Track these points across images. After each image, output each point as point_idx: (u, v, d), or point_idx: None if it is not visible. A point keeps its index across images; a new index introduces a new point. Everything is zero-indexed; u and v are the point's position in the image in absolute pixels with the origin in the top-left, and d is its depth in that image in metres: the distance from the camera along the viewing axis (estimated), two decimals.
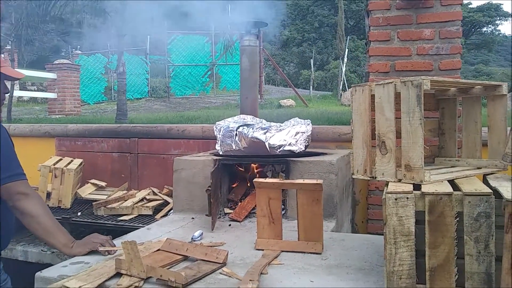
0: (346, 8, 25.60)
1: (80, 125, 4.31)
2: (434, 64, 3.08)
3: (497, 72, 25.84)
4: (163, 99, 16.02)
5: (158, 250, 1.97)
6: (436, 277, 1.38)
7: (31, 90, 16.10)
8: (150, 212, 3.30)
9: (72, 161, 3.83)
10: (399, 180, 1.59)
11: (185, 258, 1.91)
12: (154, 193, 3.56)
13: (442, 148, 2.06)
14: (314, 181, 1.96)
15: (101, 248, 1.97)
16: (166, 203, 3.41)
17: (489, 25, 34.98)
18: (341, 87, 17.43)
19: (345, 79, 18.09)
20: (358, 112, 1.74)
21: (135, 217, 3.28)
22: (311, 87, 18.19)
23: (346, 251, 2.01)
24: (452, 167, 1.93)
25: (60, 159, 3.84)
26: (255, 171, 2.97)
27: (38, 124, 4.56)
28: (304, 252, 1.98)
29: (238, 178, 3.01)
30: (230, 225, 2.55)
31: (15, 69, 2.23)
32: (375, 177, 1.69)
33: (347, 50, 18.90)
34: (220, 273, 1.75)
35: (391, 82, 1.60)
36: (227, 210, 2.77)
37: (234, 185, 2.99)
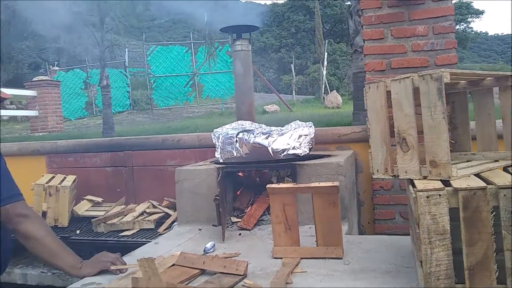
0: (321, 12, 25.81)
1: (70, 141, 4.19)
2: (430, 60, 3.07)
3: (475, 68, 26.33)
4: (145, 111, 15.87)
5: (173, 265, 1.89)
6: (475, 276, 1.33)
7: (11, 109, 15.76)
8: (152, 226, 3.21)
9: (65, 178, 3.71)
10: (425, 177, 1.55)
11: (202, 272, 1.83)
12: (154, 206, 3.47)
13: (455, 143, 2.03)
14: (330, 184, 1.90)
15: (112, 267, 1.88)
16: (167, 215, 3.32)
17: (462, 23, 35.67)
18: (323, 90, 17.53)
19: (326, 82, 18.20)
20: (373, 109, 1.69)
21: (137, 231, 3.18)
22: (293, 91, 18.24)
23: (366, 254, 1.96)
24: (468, 161, 1.89)
25: (53, 177, 3.72)
26: (259, 177, 2.91)
27: (26, 142, 4.42)
28: (324, 258, 1.93)
29: (242, 186, 2.94)
30: (240, 234, 2.48)
31: None
32: (398, 176, 1.64)
33: (326, 53, 19.02)
34: (243, 285, 1.68)
35: (408, 77, 1.56)
36: (234, 219, 2.70)
37: (238, 193, 2.92)
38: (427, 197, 1.37)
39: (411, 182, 1.58)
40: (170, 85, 15.75)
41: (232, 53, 3.28)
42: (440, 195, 1.36)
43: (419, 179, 1.56)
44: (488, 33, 68.33)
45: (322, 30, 22.96)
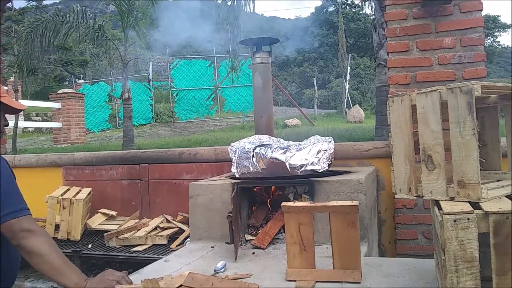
0: (345, 27, 25.74)
1: (88, 153, 4.16)
2: (457, 73, 2.93)
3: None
4: (167, 124, 15.95)
5: (181, 286, 1.79)
6: None
7: (36, 121, 16.07)
8: (165, 241, 3.13)
9: (80, 190, 3.67)
10: (451, 199, 1.42)
11: None
12: (168, 221, 3.39)
13: (484, 161, 1.89)
14: (349, 203, 1.78)
15: (118, 287, 1.79)
16: (181, 230, 3.24)
17: (488, 37, 35.04)
18: (345, 105, 17.35)
19: (348, 97, 18.02)
20: (397, 124, 1.58)
21: (149, 247, 3.10)
22: (315, 105, 18.10)
23: (387, 279, 1.82)
24: (498, 180, 1.75)
25: (68, 189, 3.68)
26: (276, 193, 2.81)
27: (44, 154, 4.41)
28: (341, 282, 1.80)
29: (258, 202, 2.84)
30: (253, 253, 2.37)
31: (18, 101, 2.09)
32: (422, 196, 1.52)
33: (349, 67, 18.86)
34: None
35: (435, 90, 1.45)
36: (248, 237, 2.59)
37: (253, 209, 2.82)
38: (455, 221, 1.25)
39: (437, 203, 1.45)
40: (192, 98, 15.82)
41: (252, 65, 3.21)
42: (468, 219, 1.23)
43: (445, 200, 1.44)
44: None
45: (346, 44, 22.87)
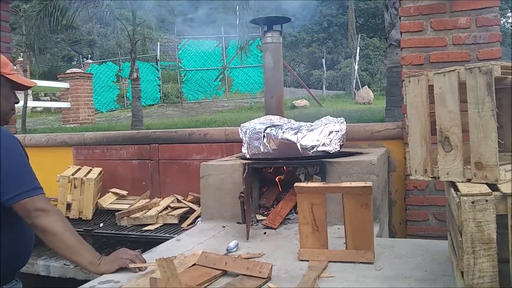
0: (355, 6, 25.33)
1: (98, 133, 4.17)
2: (472, 54, 2.88)
3: None
4: (175, 104, 15.96)
5: (194, 265, 1.80)
6: None
7: (45, 101, 16.13)
8: (176, 221, 3.14)
9: (91, 170, 3.69)
10: (468, 180, 1.41)
11: (224, 273, 1.74)
12: (178, 201, 3.41)
13: (502, 143, 1.86)
14: (363, 184, 1.78)
15: (131, 265, 1.81)
16: (191, 210, 3.25)
17: (501, 18, 34.43)
18: (354, 86, 17.23)
19: (358, 78, 17.87)
20: (413, 105, 1.55)
21: (160, 226, 3.12)
22: (323, 86, 17.99)
23: (400, 260, 1.82)
24: None
25: (79, 169, 3.70)
26: (286, 174, 2.81)
27: (54, 134, 4.43)
28: (354, 262, 1.80)
29: (268, 182, 2.84)
30: (265, 233, 2.38)
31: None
32: (438, 177, 1.50)
33: (358, 48, 18.65)
34: None
35: (453, 70, 1.42)
36: (259, 217, 2.61)
37: (264, 190, 2.82)
38: (472, 202, 1.23)
39: (453, 184, 1.44)
40: (200, 79, 15.78)
41: (262, 45, 3.17)
42: (486, 200, 1.22)
43: (462, 181, 1.42)
44: None
45: (355, 25, 22.56)
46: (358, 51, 18.35)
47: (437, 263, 1.75)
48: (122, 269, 1.82)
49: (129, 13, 7.10)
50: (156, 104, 16.05)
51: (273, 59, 3.11)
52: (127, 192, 3.74)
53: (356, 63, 17.72)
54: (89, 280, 1.78)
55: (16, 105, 2.03)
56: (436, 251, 1.89)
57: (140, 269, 1.81)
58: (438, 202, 3.00)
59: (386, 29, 5.40)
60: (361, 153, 2.74)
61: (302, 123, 2.75)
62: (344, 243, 1.94)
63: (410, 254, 1.88)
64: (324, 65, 19.54)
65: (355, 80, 17.29)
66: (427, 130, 1.52)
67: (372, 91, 15.56)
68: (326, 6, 30.35)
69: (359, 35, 20.29)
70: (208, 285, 1.65)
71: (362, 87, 16.19)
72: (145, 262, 1.86)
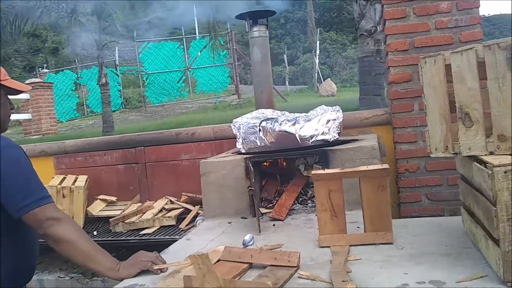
0: (312, 2, 25.66)
1: (79, 140, 4.05)
2: (454, 37, 2.98)
3: None
4: (137, 109, 15.68)
5: (219, 260, 1.79)
6: None
7: None
8: (173, 222, 3.11)
9: (77, 178, 3.59)
10: (491, 153, 1.46)
11: (250, 266, 1.74)
12: (172, 202, 3.37)
13: None
14: (380, 166, 1.82)
15: (155, 267, 1.77)
16: (187, 210, 3.22)
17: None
18: (316, 79, 17.46)
19: (319, 71, 18.12)
20: (431, 85, 1.60)
21: (157, 229, 3.08)
22: (287, 82, 18.13)
23: (417, 238, 1.87)
24: None
25: (64, 178, 3.59)
26: (285, 166, 2.82)
27: (32, 144, 4.27)
28: (375, 244, 1.84)
29: (267, 176, 2.85)
30: (274, 225, 2.38)
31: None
32: (459, 153, 1.55)
33: (318, 42, 18.90)
34: (299, 277, 1.58)
35: (470, 48, 1.47)
36: (263, 210, 2.61)
37: (263, 183, 2.83)
38: (505, 172, 1.29)
39: (475, 158, 1.49)
40: (163, 81, 15.56)
41: (250, 40, 3.17)
42: None
43: (485, 155, 1.47)
44: None
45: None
46: (318, 45, 18.59)
47: (454, 238, 1.80)
48: (142, 272, 1.78)
49: (94, 18, 6.91)
50: (117, 110, 15.70)
51: (261, 53, 3.12)
52: (116, 198, 3.65)
53: (317, 57, 17.96)
54: None
55: None
56: (449, 227, 1.95)
57: (161, 270, 1.78)
58: (430, 183, 3.09)
59: (356, 20, 5.50)
60: (357, 140, 2.78)
61: (297, 114, 2.77)
62: (358, 227, 1.98)
63: (426, 232, 1.93)
64: (286, 61, 19.68)
65: (316, 74, 17.51)
66: (446, 109, 1.57)
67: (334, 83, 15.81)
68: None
69: (318, 29, 20.55)
70: (240, 278, 1.64)
71: (324, 80, 16.42)
72: (165, 262, 1.83)
